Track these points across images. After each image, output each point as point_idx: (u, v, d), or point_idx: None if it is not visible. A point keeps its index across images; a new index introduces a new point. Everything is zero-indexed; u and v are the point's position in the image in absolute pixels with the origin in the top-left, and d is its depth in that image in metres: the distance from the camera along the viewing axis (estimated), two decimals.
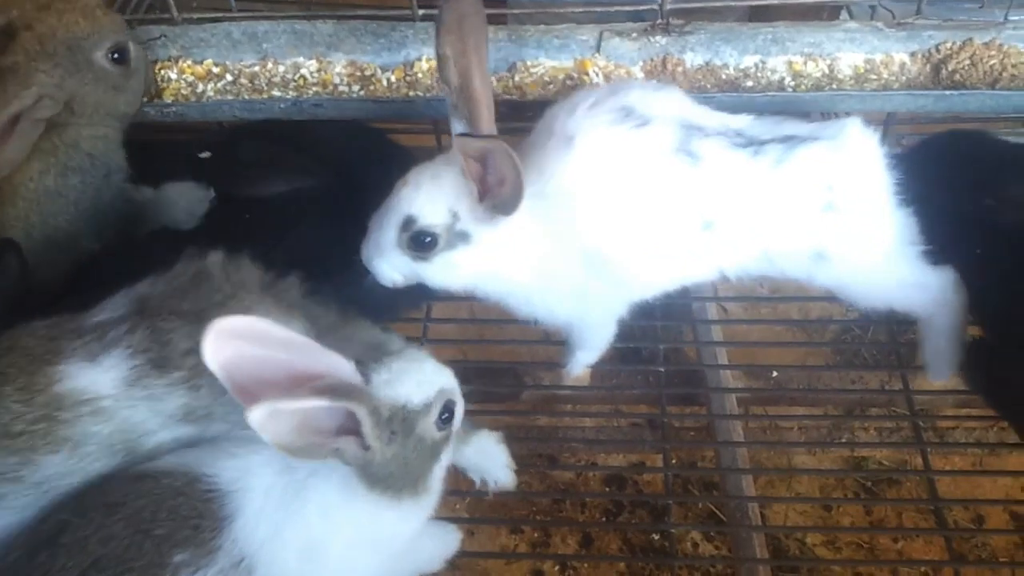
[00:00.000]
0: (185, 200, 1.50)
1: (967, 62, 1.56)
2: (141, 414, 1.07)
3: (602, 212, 1.26)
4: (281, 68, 1.68)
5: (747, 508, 1.79)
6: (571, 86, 1.61)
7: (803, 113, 1.54)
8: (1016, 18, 1.57)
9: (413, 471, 1.06)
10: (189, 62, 1.69)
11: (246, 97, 1.65)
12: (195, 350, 1.03)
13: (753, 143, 1.28)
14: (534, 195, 1.20)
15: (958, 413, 2.03)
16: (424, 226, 1.24)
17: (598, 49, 1.64)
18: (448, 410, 1.08)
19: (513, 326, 1.45)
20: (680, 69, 1.62)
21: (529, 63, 1.66)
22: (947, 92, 1.53)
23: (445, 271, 1.28)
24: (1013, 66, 1.56)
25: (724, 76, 1.62)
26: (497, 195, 1.20)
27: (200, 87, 1.67)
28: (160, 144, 1.70)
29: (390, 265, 1.28)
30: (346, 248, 1.32)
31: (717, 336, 1.99)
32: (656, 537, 2.26)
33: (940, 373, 1.47)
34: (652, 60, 1.63)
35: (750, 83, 1.61)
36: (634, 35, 1.63)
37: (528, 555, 2.29)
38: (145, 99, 1.59)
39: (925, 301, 1.42)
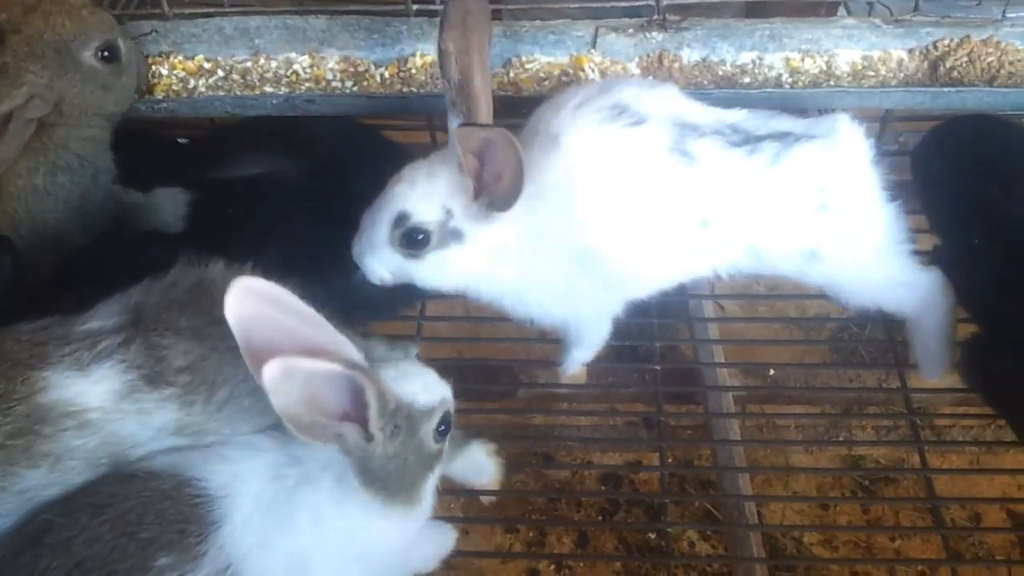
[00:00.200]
0: (172, 205, 1.49)
1: (965, 59, 1.56)
2: (129, 427, 1.03)
3: (591, 211, 1.25)
4: (273, 64, 1.67)
5: (744, 507, 1.78)
6: (567, 82, 1.61)
7: (800, 110, 1.54)
8: (1013, 15, 1.57)
9: (409, 475, 1.05)
10: (180, 58, 1.67)
11: (238, 93, 1.63)
12: (191, 367, 1.04)
13: (748, 141, 1.27)
14: (524, 195, 1.19)
15: (955, 411, 2.03)
16: (417, 223, 1.23)
17: (594, 45, 1.63)
18: (446, 422, 1.08)
19: (508, 324, 1.44)
20: (676, 65, 1.61)
21: (524, 59, 1.65)
22: (945, 89, 1.54)
23: (436, 270, 1.27)
24: (1010, 63, 1.56)
25: (721, 72, 1.61)
26: (494, 191, 1.19)
27: (191, 83, 1.65)
28: (143, 133, 1.68)
29: (381, 262, 1.27)
30: (337, 246, 1.31)
31: (714, 334, 1.99)
32: (652, 536, 2.25)
33: (932, 372, 1.49)
34: (648, 56, 1.62)
35: (747, 79, 1.60)
36: (630, 31, 1.62)
37: (523, 554, 2.28)
38: (137, 96, 1.58)
39: (914, 301, 1.42)
